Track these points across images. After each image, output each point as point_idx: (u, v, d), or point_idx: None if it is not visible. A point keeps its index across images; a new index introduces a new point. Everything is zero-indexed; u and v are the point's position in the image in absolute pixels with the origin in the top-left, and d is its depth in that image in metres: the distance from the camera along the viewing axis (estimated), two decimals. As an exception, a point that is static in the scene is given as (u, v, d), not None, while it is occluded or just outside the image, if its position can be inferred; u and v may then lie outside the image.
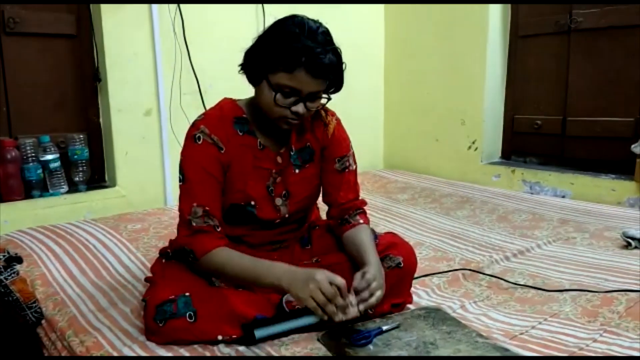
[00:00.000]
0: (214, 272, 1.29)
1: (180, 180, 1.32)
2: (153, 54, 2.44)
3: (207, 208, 1.28)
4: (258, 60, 1.26)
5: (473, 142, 2.95)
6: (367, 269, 1.24)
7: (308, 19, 1.26)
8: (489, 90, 2.88)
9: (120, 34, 2.35)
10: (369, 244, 1.34)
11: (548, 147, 2.78)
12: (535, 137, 2.83)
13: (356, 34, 3.13)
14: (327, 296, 1.13)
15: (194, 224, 1.27)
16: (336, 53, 1.26)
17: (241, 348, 1.20)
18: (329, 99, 1.31)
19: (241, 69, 1.32)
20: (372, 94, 3.35)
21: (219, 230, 1.29)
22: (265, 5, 2.67)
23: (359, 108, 3.14)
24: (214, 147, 1.30)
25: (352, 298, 1.18)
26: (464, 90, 2.95)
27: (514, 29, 2.85)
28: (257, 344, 1.21)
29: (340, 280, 1.15)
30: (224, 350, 1.20)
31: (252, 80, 1.31)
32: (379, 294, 1.20)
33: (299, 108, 1.25)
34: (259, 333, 1.19)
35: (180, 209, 1.31)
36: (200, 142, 1.29)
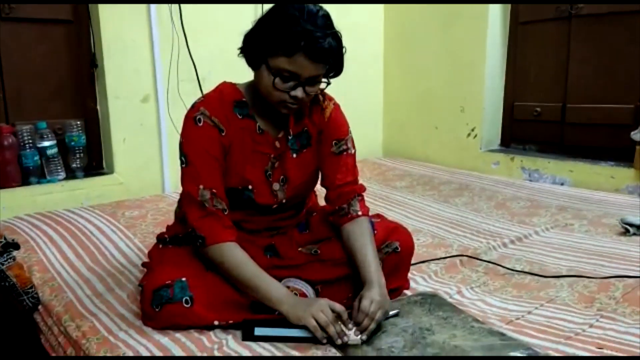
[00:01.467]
0: (215, 264, 1.27)
1: (182, 163, 1.29)
2: (150, 40, 2.42)
3: (214, 190, 1.27)
4: (257, 44, 1.25)
5: (472, 130, 2.94)
6: (365, 293, 1.22)
7: (308, 2, 1.24)
8: (489, 77, 2.86)
9: (117, 20, 2.34)
10: (369, 251, 1.31)
11: (547, 135, 2.77)
12: (534, 124, 2.81)
13: (356, 22, 3.11)
14: (328, 319, 1.15)
15: (207, 205, 1.26)
16: (336, 37, 1.24)
17: (238, 333, 1.20)
18: (328, 83, 1.30)
19: (240, 52, 1.30)
20: (372, 81, 3.34)
21: (226, 213, 1.28)
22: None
23: (358, 95, 3.13)
24: (215, 129, 1.28)
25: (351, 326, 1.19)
26: (464, 77, 2.93)
27: (514, 16, 2.83)
28: (255, 342, 1.18)
29: (340, 308, 1.17)
30: (220, 335, 1.20)
31: (251, 64, 1.30)
32: (379, 315, 1.20)
33: (298, 92, 1.24)
34: (259, 331, 1.18)
35: (185, 193, 1.29)
36: (201, 124, 1.28)
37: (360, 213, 1.39)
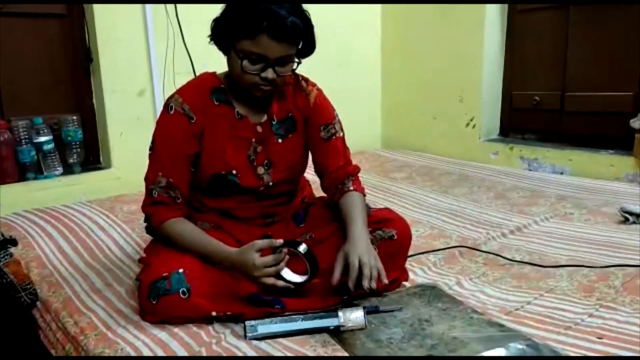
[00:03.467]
0: (171, 242, 1.30)
1: (150, 149, 1.35)
2: (145, 34, 2.40)
3: (170, 180, 1.31)
4: (223, 29, 1.27)
5: (471, 120, 2.92)
6: (348, 248, 1.25)
7: None
8: (488, 67, 2.84)
9: (112, 14, 2.32)
10: (356, 211, 1.33)
11: (547, 123, 2.76)
12: (533, 114, 2.80)
13: (353, 12, 3.07)
14: (273, 267, 1.18)
15: (155, 195, 1.31)
16: (302, 15, 1.24)
17: (236, 327, 1.20)
18: (299, 62, 1.30)
19: (210, 39, 1.32)
20: (369, 72, 3.31)
21: (179, 201, 1.32)
22: None
23: (356, 86, 3.12)
24: (185, 117, 1.30)
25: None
26: (462, 66, 2.91)
27: (512, 4, 2.80)
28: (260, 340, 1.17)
29: (271, 260, 1.18)
30: (219, 329, 1.20)
31: (221, 49, 1.32)
32: (372, 262, 1.23)
33: (268, 74, 1.24)
34: (262, 328, 1.17)
35: (145, 177, 1.35)
36: (172, 113, 1.31)
37: (352, 188, 1.41)
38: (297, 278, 1.23)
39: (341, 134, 1.46)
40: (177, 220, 1.31)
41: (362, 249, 1.24)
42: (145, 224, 1.44)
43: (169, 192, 1.31)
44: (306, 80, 1.44)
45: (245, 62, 1.23)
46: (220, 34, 1.29)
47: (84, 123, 2.39)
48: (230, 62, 1.30)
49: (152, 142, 1.34)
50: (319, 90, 1.45)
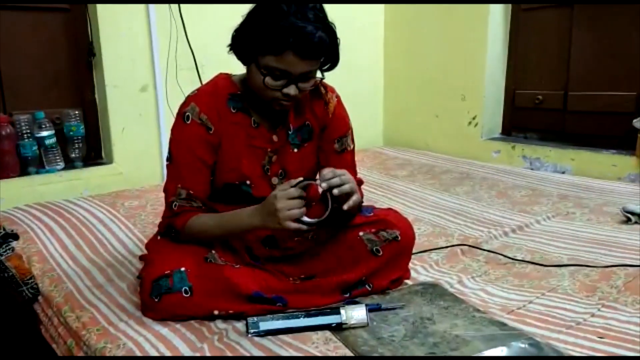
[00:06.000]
0: (198, 239, 1.29)
1: (167, 160, 1.32)
2: (148, 28, 2.40)
3: (191, 191, 1.29)
4: (245, 42, 1.22)
5: (473, 118, 2.92)
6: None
7: None
8: (490, 65, 2.83)
9: (115, 8, 2.31)
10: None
11: (549, 122, 2.75)
12: (536, 112, 2.79)
13: (356, 10, 3.08)
14: (297, 200, 1.14)
15: (175, 207, 1.29)
16: (328, 30, 1.20)
17: (238, 324, 1.20)
18: (322, 77, 1.28)
19: (230, 49, 1.28)
20: (372, 69, 3.31)
21: (201, 209, 1.31)
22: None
23: (358, 84, 3.11)
24: (202, 128, 1.27)
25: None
26: (465, 65, 2.91)
27: (516, 3, 2.79)
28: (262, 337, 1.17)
29: (292, 191, 1.15)
30: (221, 325, 1.20)
31: (241, 60, 1.28)
32: (344, 178, 1.18)
33: (291, 90, 1.21)
34: (264, 325, 1.17)
35: (165, 189, 1.32)
36: (188, 122, 1.27)
37: None
38: (316, 220, 1.19)
39: (352, 147, 1.44)
40: (195, 216, 1.29)
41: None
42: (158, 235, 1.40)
43: (191, 203, 1.30)
44: (325, 86, 1.39)
45: (268, 79, 1.19)
46: (242, 46, 1.24)
47: (86, 118, 2.39)
48: (250, 74, 1.25)
49: (170, 152, 1.30)
50: (338, 97, 1.42)
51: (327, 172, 1.19)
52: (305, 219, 1.17)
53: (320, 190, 1.19)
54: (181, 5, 2.42)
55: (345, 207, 1.19)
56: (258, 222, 1.21)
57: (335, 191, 1.16)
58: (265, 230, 1.35)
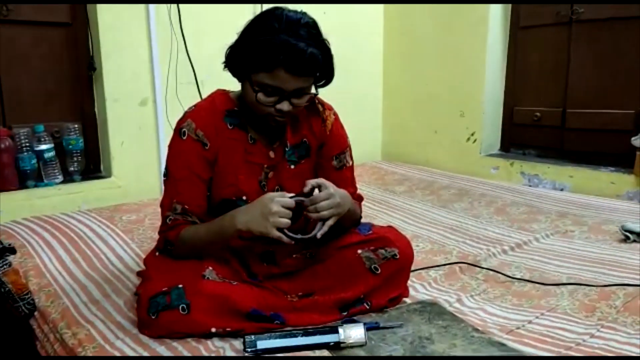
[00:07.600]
0: (191, 251, 1.29)
1: (164, 175, 1.33)
2: (149, 43, 2.41)
3: (186, 206, 1.30)
4: (238, 59, 1.24)
5: (472, 134, 2.93)
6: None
7: (290, 10, 1.21)
8: (489, 82, 2.85)
9: (116, 23, 2.32)
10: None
11: (547, 140, 2.76)
12: (534, 129, 2.81)
13: (354, 25, 3.10)
14: (288, 210, 1.17)
15: (169, 222, 1.30)
16: (321, 46, 1.21)
17: (236, 342, 1.19)
18: (315, 94, 1.29)
19: (225, 66, 1.29)
20: (371, 85, 3.32)
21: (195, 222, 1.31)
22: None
23: (357, 99, 3.12)
24: (198, 144, 1.28)
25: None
26: (464, 81, 2.92)
27: (515, 20, 2.82)
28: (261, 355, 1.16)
29: (289, 201, 1.18)
30: (218, 343, 1.19)
31: (236, 77, 1.30)
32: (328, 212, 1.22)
33: (284, 106, 1.22)
34: (261, 344, 1.16)
35: (161, 204, 1.33)
36: (185, 138, 1.28)
37: None
38: (299, 236, 1.22)
39: (350, 163, 1.45)
40: (189, 227, 1.30)
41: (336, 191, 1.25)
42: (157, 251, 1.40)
43: (186, 218, 1.30)
44: (322, 103, 1.41)
45: (260, 95, 1.21)
46: (235, 63, 1.26)
47: (86, 131, 2.39)
48: (244, 91, 1.27)
49: (166, 168, 1.32)
50: (336, 115, 1.43)
51: (320, 195, 1.22)
52: (287, 232, 1.20)
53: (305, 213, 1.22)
54: (182, 20, 2.44)
55: (318, 234, 1.23)
56: (242, 219, 1.20)
57: (313, 215, 1.21)
58: (247, 232, 1.35)
